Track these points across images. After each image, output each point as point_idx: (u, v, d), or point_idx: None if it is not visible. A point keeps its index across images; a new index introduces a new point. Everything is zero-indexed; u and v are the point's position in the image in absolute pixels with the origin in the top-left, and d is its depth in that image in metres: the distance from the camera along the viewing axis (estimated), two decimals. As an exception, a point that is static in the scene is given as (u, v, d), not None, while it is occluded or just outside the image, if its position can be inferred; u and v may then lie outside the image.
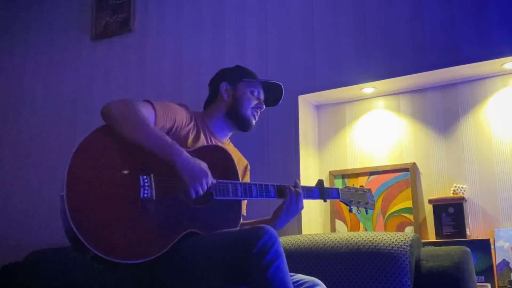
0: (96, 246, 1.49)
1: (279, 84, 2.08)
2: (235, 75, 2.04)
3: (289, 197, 1.90)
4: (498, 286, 2.32)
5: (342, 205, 2.78)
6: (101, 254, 1.49)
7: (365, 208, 2.20)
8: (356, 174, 2.81)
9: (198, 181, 1.63)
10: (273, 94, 2.09)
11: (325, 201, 2.07)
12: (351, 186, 2.22)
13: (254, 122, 2.03)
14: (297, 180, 1.97)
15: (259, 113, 2.04)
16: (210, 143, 1.93)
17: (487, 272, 2.33)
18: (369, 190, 2.25)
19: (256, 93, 2.02)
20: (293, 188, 1.92)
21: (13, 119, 3.80)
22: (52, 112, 3.64)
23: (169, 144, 1.64)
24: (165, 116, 1.77)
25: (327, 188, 2.06)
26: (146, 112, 1.71)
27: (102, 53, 3.58)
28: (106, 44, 3.58)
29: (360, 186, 2.27)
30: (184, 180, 1.63)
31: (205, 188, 1.65)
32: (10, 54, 3.96)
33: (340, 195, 2.12)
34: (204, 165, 1.67)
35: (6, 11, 4.05)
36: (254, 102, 2.01)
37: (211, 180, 1.68)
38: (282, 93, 2.09)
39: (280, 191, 1.91)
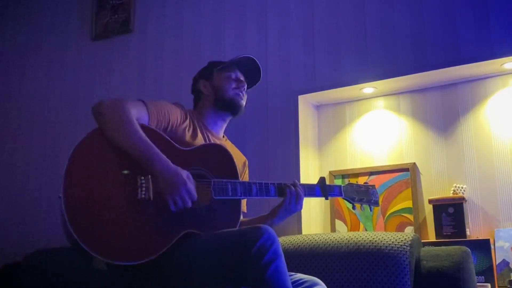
0: (94, 248, 1.49)
1: (251, 57, 2.05)
2: (208, 69, 2.06)
3: (288, 197, 1.88)
4: (498, 286, 2.32)
5: (343, 204, 2.79)
6: (99, 256, 1.49)
7: (369, 205, 2.15)
8: (356, 174, 2.81)
9: (176, 191, 1.58)
10: (251, 70, 2.07)
11: (326, 198, 2.03)
12: (354, 182, 2.18)
13: (242, 102, 2.01)
14: (296, 181, 1.95)
15: (244, 93, 2.02)
16: (207, 140, 1.92)
17: (487, 272, 2.33)
18: (373, 186, 2.18)
19: (233, 75, 2.01)
20: (293, 188, 1.89)
21: (13, 119, 3.80)
22: (52, 112, 3.64)
23: (148, 149, 1.61)
24: (159, 115, 1.76)
25: (328, 185, 2.03)
26: (139, 112, 1.70)
27: (102, 53, 3.58)
28: (106, 44, 3.58)
29: (364, 182, 2.22)
30: (161, 189, 1.59)
31: (185, 198, 1.59)
32: (10, 54, 3.96)
33: (343, 192, 2.07)
34: (185, 174, 1.62)
35: (6, 11, 4.05)
36: (234, 83, 2.00)
37: (193, 191, 1.61)
38: (258, 65, 2.06)
39: (281, 190, 1.89)
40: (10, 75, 3.92)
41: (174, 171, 1.60)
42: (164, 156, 1.62)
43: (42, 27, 3.86)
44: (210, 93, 2.00)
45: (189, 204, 1.61)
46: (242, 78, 2.03)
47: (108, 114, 1.64)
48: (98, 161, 1.59)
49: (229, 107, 1.99)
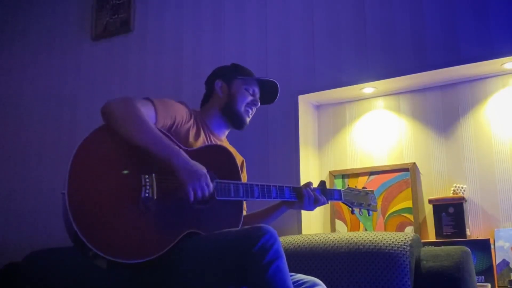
0: (96, 245, 1.49)
1: (274, 82, 2.07)
2: (230, 73, 2.05)
3: (307, 200, 1.93)
4: (498, 286, 2.32)
5: (343, 206, 2.79)
6: (101, 253, 1.49)
7: (368, 209, 2.18)
8: (356, 174, 2.81)
9: (197, 181, 1.61)
10: (269, 92, 2.09)
11: (327, 202, 2.06)
12: (354, 187, 2.20)
13: (247, 119, 2.02)
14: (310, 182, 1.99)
15: (254, 110, 2.04)
16: (209, 141, 1.93)
17: (487, 272, 2.33)
18: (372, 191, 2.24)
19: (251, 91, 2.02)
20: (311, 192, 1.94)
21: (13, 119, 3.80)
22: (52, 112, 3.64)
23: (167, 144, 1.63)
24: (166, 114, 1.76)
25: (329, 189, 2.05)
26: (147, 110, 1.70)
27: (102, 53, 3.58)
28: (106, 44, 3.58)
29: (363, 187, 2.25)
30: (181, 180, 1.61)
31: (205, 190, 1.63)
32: (10, 54, 3.96)
33: (342, 197, 2.10)
34: (203, 168, 1.65)
35: (6, 12, 4.05)
36: (249, 98, 2.01)
37: (210, 184, 1.65)
38: (277, 90, 2.09)
39: (298, 193, 1.93)
40: (10, 75, 3.92)
41: (194, 164, 1.63)
42: (182, 151, 1.64)
43: (42, 27, 3.86)
44: (224, 98, 2.00)
45: (207, 196, 1.64)
46: (258, 96, 2.04)
47: (120, 113, 1.63)
48: (102, 158, 1.59)
49: (235, 120, 2.00)
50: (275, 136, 2.86)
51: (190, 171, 1.61)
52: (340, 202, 2.14)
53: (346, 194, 2.12)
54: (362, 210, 2.18)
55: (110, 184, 1.57)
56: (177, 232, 1.62)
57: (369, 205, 2.19)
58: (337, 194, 2.10)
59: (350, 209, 2.15)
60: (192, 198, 1.61)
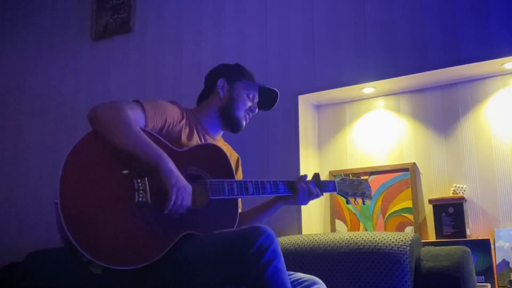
0: (91, 253, 1.47)
1: (276, 90, 2.05)
2: (234, 74, 2.01)
3: (301, 194, 1.91)
4: (498, 286, 2.32)
5: (343, 204, 2.79)
6: (97, 261, 1.48)
7: (362, 198, 2.16)
8: (356, 174, 2.81)
9: (183, 189, 1.58)
10: (268, 98, 2.07)
11: (321, 194, 2.04)
12: (347, 177, 2.18)
13: (244, 124, 2.00)
14: (306, 175, 1.98)
15: (250, 115, 2.02)
16: (203, 140, 1.91)
17: (487, 272, 2.33)
18: (366, 180, 2.22)
19: (251, 96, 2.00)
20: (305, 185, 1.93)
21: (13, 119, 3.80)
22: (52, 112, 3.64)
23: (154, 148, 1.61)
24: (156, 116, 1.74)
25: (323, 181, 2.03)
26: (136, 114, 1.68)
27: (102, 53, 3.58)
28: (106, 44, 3.58)
29: (356, 176, 2.24)
30: (168, 182, 1.57)
31: (185, 201, 1.59)
32: (10, 54, 3.96)
33: (337, 188, 2.09)
34: (189, 185, 1.63)
35: (6, 11, 4.05)
36: (248, 104, 1.98)
37: (190, 201, 1.62)
38: (277, 99, 2.07)
39: (292, 187, 1.92)
40: (10, 75, 3.92)
41: (182, 177, 1.62)
42: (169, 158, 1.62)
43: (42, 27, 3.86)
44: (224, 98, 1.97)
45: (184, 207, 1.61)
46: (256, 100, 2.03)
47: (107, 118, 1.62)
48: (93, 165, 1.57)
49: (231, 124, 1.97)
50: (275, 136, 2.86)
51: (178, 177, 1.59)
52: (334, 193, 2.13)
53: (340, 184, 2.10)
54: (357, 199, 2.16)
55: (102, 191, 1.55)
56: (173, 234, 1.60)
57: (363, 194, 2.17)
58: (331, 185, 2.08)
59: (345, 199, 2.14)
60: (172, 203, 1.58)
